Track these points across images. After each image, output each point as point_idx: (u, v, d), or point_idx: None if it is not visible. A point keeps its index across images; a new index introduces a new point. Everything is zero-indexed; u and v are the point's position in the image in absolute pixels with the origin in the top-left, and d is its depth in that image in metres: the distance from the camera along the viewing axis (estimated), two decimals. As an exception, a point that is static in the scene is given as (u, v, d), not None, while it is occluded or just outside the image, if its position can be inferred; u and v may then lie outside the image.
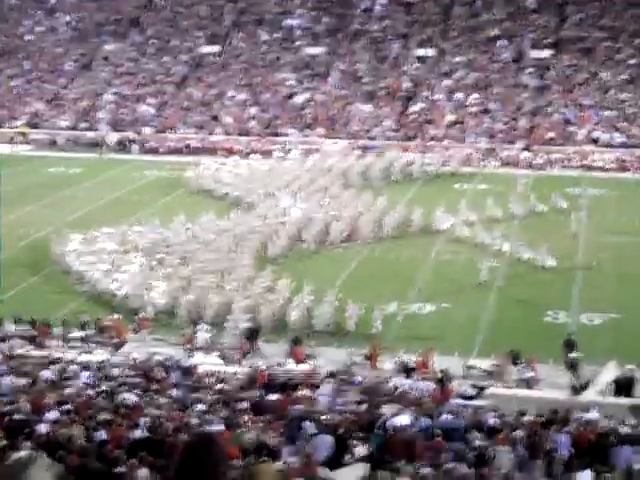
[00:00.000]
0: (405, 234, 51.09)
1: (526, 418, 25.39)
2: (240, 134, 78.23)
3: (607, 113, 75.64)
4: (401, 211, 53.16)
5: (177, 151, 75.65)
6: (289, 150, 71.37)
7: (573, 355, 33.46)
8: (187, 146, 76.02)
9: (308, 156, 68.31)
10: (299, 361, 33.87)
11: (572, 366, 33.21)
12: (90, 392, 26.29)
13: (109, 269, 43.38)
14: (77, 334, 36.94)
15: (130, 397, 25.28)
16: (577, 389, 31.97)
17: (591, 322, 39.20)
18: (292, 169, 63.95)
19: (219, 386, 28.24)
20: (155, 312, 39.48)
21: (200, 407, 24.83)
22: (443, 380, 31.26)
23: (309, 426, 22.94)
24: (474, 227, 50.22)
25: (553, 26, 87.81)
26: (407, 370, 33.53)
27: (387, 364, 34.18)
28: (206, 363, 33.47)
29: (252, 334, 36.55)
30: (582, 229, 50.91)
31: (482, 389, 31.62)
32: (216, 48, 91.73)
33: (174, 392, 27.33)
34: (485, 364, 34.07)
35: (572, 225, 50.86)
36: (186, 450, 7.95)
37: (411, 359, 33.87)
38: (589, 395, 31.50)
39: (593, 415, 26.38)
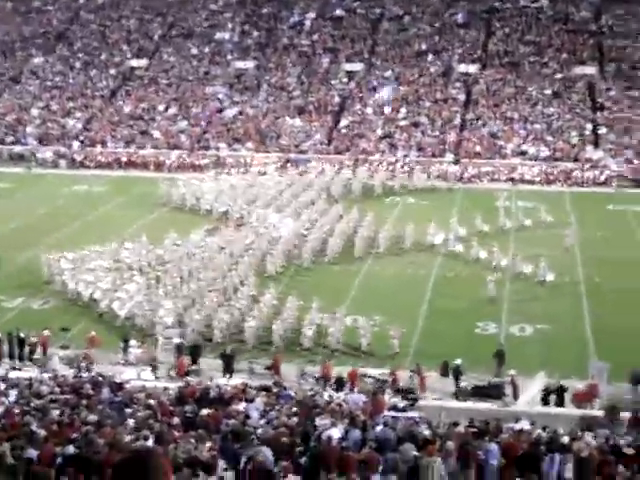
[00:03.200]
0: (398, 249, 51.46)
1: (458, 429, 25.58)
2: (170, 148, 77.95)
3: (534, 127, 76.72)
4: (391, 226, 53.46)
5: (107, 165, 75.21)
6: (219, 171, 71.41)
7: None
8: (117, 160, 75.59)
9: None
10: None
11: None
12: (18, 409, 25.89)
13: (108, 288, 42.98)
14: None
15: (59, 414, 24.96)
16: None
17: (521, 333, 39.80)
18: (272, 184, 64.13)
19: (150, 401, 27.98)
20: (163, 330, 39.20)
21: (131, 423, 24.62)
22: (376, 392, 31.42)
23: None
24: (468, 242, 50.84)
25: (480, 41, 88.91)
26: (338, 382, 33.75)
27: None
28: (137, 379, 33.37)
29: (194, 351, 36.66)
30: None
31: (414, 401, 31.89)
32: (145, 62, 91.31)
33: (104, 408, 27.04)
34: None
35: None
36: (121, 468, 7.74)
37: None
38: (520, 405, 32.02)
39: (524, 425, 26.70)
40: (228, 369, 35.42)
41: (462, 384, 34.09)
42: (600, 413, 30.78)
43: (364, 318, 39.12)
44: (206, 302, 41.04)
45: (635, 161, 71.34)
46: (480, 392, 33.60)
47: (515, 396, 33.33)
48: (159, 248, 48.97)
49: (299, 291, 42.77)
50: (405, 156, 73.79)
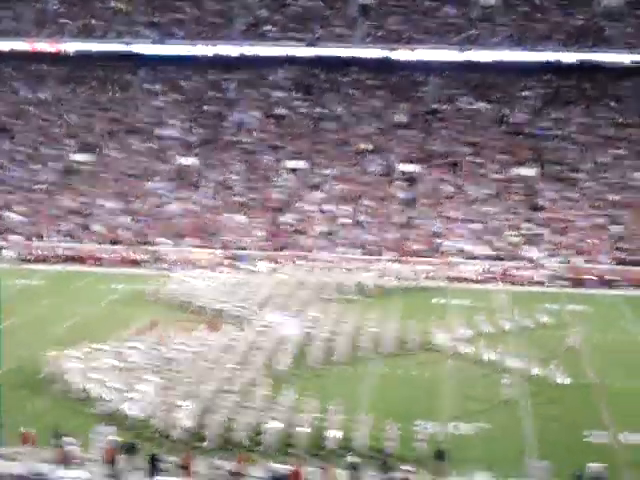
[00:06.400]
0: (403, 350, 50.78)
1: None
2: (110, 243, 77.68)
3: (472, 226, 77.73)
4: (395, 326, 52.92)
5: (46, 259, 74.76)
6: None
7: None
8: (57, 255, 75.15)
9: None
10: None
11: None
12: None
13: (120, 388, 41.66)
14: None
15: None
16: None
17: (459, 431, 39.65)
18: (264, 282, 63.94)
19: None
20: (183, 434, 37.95)
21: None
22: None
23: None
24: (475, 343, 50.68)
25: (420, 141, 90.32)
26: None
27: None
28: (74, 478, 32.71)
29: (128, 449, 35.75)
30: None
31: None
32: (87, 157, 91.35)
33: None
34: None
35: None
36: None
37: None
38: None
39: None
40: (153, 470, 34.55)
41: None
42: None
43: (391, 423, 37.72)
44: (225, 403, 39.86)
45: (572, 260, 72.45)
46: None
47: None
48: (162, 347, 47.85)
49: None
50: (344, 254, 74.27)
